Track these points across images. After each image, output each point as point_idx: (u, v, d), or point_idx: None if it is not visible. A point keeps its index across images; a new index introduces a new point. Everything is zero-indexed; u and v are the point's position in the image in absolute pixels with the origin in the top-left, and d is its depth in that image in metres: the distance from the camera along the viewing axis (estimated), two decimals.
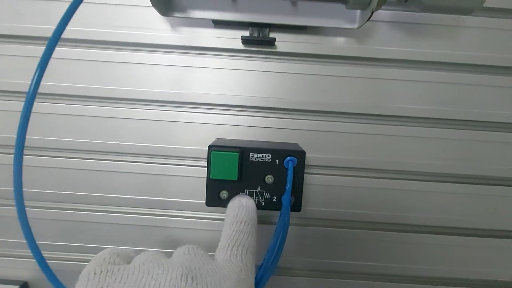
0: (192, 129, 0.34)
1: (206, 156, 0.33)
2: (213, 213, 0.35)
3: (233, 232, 0.21)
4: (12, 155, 0.34)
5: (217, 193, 0.28)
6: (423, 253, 0.35)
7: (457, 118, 0.34)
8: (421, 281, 0.36)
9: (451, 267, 0.36)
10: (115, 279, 0.15)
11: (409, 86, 0.34)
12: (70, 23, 0.33)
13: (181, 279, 0.15)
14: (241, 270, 0.18)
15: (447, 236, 0.35)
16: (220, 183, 0.28)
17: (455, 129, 0.34)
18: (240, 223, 0.22)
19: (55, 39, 0.18)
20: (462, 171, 0.35)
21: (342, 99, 0.34)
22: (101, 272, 0.16)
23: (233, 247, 0.20)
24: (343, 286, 0.36)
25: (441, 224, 0.35)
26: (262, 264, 0.22)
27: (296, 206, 0.28)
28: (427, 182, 0.35)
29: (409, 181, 0.35)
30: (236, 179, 0.27)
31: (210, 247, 0.22)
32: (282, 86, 0.34)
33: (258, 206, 0.28)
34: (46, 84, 0.34)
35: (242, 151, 0.27)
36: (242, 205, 0.23)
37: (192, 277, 0.15)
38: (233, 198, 0.25)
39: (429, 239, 0.35)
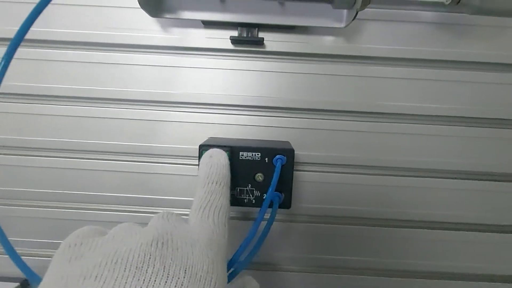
0: (184, 129, 0.35)
1: (196, 155, 0.34)
2: None
3: (205, 193, 0.21)
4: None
5: None
6: (416, 248, 0.36)
7: (445, 115, 0.35)
8: (415, 276, 0.37)
9: (444, 261, 0.36)
10: (89, 248, 0.16)
11: (397, 83, 0.34)
12: (64, 26, 0.34)
13: (151, 245, 0.15)
14: (213, 232, 0.18)
15: (438, 231, 0.36)
16: None
17: (443, 125, 0.35)
18: (212, 183, 0.22)
19: (18, 40, 0.18)
20: (451, 167, 0.35)
21: (331, 97, 0.35)
22: (75, 244, 0.16)
23: (204, 208, 0.20)
24: (335, 281, 0.37)
25: (432, 219, 0.36)
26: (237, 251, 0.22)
27: (286, 203, 0.29)
28: (415, 178, 0.36)
29: (398, 177, 0.36)
30: None
31: None
32: (272, 85, 0.35)
33: (249, 203, 0.29)
34: (41, 86, 0.34)
35: (232, 150, 0.28)
36: (213, 163, 0.23)
37: (163, 242, 0.15)
38: (205, 154, 0.25)
39: (421, 234, 0.36)
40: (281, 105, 0.35)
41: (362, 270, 0.37)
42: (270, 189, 0.26)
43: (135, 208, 0.36)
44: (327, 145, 0.35)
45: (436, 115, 0.35)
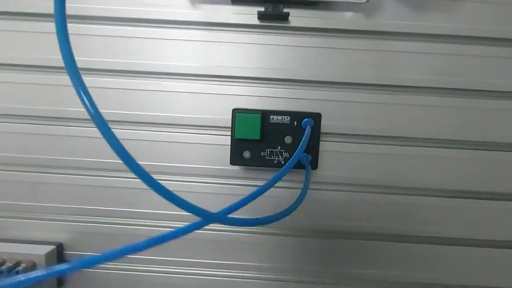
0: (211, 100, 0.37)
1: (226, 125, 0.36)
2: (233, 179, 0.38)
3: None
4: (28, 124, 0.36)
5: (240, 153, 0.31)
6: (429, 214, 0.38)
7: (460, 88, 0.37)
8: (421, 241, 0.39)
9: (449, 228, 0.38)
10: None
11: (414, 58, 0.36)
12: (100, 3, 0.36)
13: None
14: None
15: (449, 198, 0.38)
16: (243, 143, 0.30)
17: (460, 97, 0.37)
18: None
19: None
20: (463, 137, 0.37)
21: (351, 70, 0.36)
22: None
23: None
24: (347, 245, 0.39)
25: (444, 187, 0.38)
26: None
27: (313, 164, 0.31)
28: (431, 148, 0.37)
29: (414, 147, 0.37)
30: (259, 138, 0.30)
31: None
32: (296, 58, 0.36)
33: (278, 164, 0.31)
34: (82, 59, 0.36)
35: (263, 113, 0.30)
36: None
37: None
38: None
39: (432, 201, 0.38)
40: (304, 78, 0.37)
41: (368, 235, 0.38)
42: (299, 148, 0.28)
43: (161, 176, 0.38)
44: (347, 116, 0.37)
45: (451, 88, 0.37)
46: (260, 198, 0.37)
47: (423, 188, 0.38)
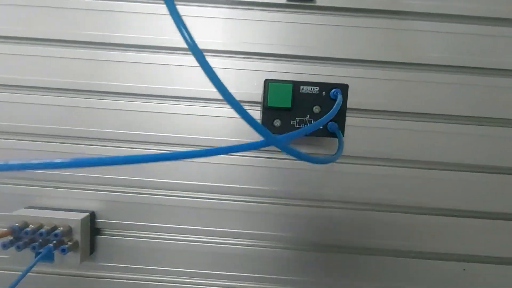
0: (241, 76, 0.38)
1: (255, 100, 0.38)
2: (263, 152, 0.39)
3: None
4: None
5: (271, 121, 0.32)
6: (447, 188, 0.40)
7: (479, 66, 0.38)
8: (443, 213, 0.40)
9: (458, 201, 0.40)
10: None
11: (435, 37, 0.38)
12: None
13: None
14: None
15: (468, 173, 0.39)
16: (274, 112, 0.32)
17: (479, 76, 0.38)
18: None
19: None
20: (482, 114, 0.39)
21: (374, 48, 0.38)
22: None
23: None
24: (371, 217, 0.40)
25: (464, 162, 0.39)
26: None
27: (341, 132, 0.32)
28: (451, 124, 0.39)
29: (434, 123, 0.39)
30: (290, 106, 0.31)
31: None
32: (321, 37, 0.38)
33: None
34: (131, 36, 0.38)
35: (294, 83, 0.32)
36: None
37: None
38: None
39: (451, 175, 0.39)
40: (329, 56, 0.38)
41: (388, 206, 0.40)
42: (336, 105, 0.29)
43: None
44: (370, 92, 0.38)
45: (471, 67, 0.38)
46: (289, 170, 0.38)
47: (443, 163, 0.39)
